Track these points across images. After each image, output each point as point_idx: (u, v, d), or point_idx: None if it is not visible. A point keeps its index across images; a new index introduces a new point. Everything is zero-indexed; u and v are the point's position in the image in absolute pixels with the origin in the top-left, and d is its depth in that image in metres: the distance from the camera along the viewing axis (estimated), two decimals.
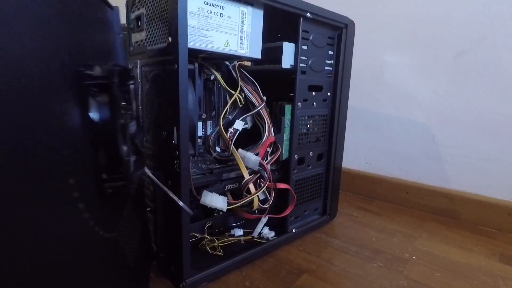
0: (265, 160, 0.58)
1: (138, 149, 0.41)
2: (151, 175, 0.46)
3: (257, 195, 0.55)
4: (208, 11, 0.47)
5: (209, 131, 0.63)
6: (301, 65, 0.61)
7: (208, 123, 0.63)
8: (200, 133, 0.61)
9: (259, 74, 0.60)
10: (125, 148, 0.34)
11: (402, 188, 0.93)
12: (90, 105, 0.31)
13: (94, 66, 0.31)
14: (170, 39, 0.45)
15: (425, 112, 0.88)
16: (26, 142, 0.23)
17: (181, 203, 0.46)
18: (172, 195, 0.46)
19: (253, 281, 0.55)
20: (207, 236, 0.62)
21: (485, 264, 0.64)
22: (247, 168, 0.55)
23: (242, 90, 0.57)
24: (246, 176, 0.55)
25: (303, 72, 0.62)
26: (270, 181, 0.56)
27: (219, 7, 0.48)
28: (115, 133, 0.32)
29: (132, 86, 0.40)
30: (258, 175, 0.56)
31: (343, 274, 0.58)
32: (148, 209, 0.54)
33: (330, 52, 0.67)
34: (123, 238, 0.41)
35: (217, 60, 0.58)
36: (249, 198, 0.55)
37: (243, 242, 0.63)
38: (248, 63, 0.59)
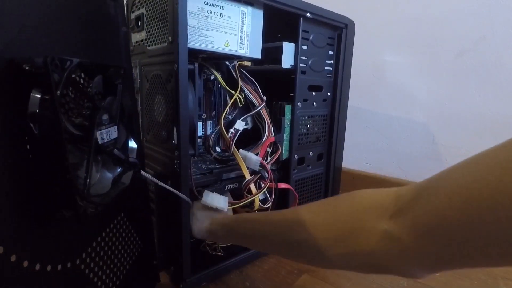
0: (265, 160, 0.58)
1: (120, 159, 0.36)
2: (146, 175, 0.44)
3: (258, 195, 0.55)
4: (208, 11, 0.47)
5: (209, 131, 0.63)
6: (301, 65, 0.61)
7: (208, 123, 0.63)
8: (200, 133, 0.61)
9: (259, 74, 0.60)
10: (76, 161, 0.29)
11: None
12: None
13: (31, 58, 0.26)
14: (170, 39, 0.45)
15: (425, 112, 0.88)
16: None
17: (175, 192, 0.46)
18: (170, 188, 0.46)
19: (253, 281, 0.55)
20: None
21: None
22: (247, 168, 0.55)
23: (242, 90, 0.57)
24: (248, 177, 0.55)
25: (303, 72, 0.62)
26: (271, 181, 0.56)
27: (219, 7, 0.48)
28: (62, 148, 0.27)
29: (120, 86, 0.35)
30: (258, 175, 0.56)
31: (342, 274, 0.58)
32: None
33: (330, 52, 0.67)
34: (94, 265, 0.36)
35: (217, 60, 0.58)
36: (250, 199, 0.54)
37: None
38: (248, 63, 0.59)
